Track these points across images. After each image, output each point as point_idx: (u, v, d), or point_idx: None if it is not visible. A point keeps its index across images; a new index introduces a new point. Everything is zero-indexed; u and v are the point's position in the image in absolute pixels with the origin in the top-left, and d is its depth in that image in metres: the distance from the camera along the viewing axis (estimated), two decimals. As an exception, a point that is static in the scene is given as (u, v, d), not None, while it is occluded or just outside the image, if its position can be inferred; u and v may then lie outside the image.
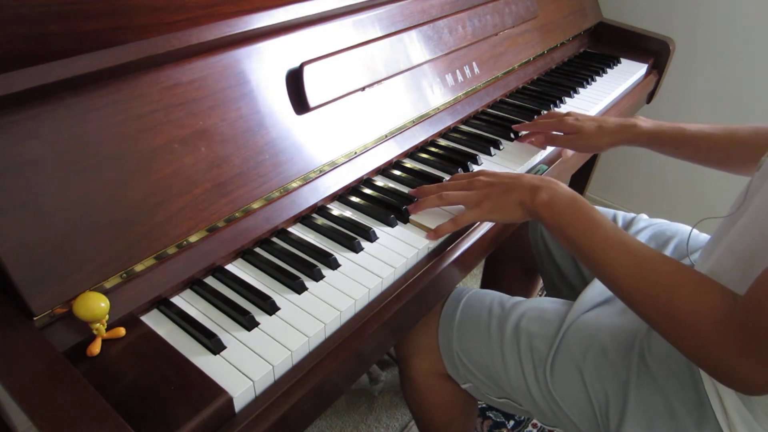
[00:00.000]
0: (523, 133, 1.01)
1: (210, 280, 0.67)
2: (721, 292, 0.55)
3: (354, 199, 0.82)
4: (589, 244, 0.64)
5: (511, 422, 1.35)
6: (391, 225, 0.77)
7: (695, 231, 0.88)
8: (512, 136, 1.01)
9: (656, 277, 0.58)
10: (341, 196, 0.82)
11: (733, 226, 0.64)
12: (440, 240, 0.77)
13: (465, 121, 1.06)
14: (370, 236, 0.74)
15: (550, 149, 1.00)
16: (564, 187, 0.70)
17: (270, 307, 0.62)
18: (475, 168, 0.92)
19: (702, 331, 0.53)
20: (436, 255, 0.75)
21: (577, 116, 0.95)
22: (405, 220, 0.78)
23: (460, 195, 0.75)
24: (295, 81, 0.74)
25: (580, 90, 1.23)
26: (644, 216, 0.96)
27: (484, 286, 1.33)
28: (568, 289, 1.00)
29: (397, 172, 0.89)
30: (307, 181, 0.77)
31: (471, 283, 1.68)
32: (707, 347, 0.53)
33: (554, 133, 0.97)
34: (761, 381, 0.51)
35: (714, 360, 0.54)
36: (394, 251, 0.72)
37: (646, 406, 0.67)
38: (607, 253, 0.62)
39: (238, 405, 0.54)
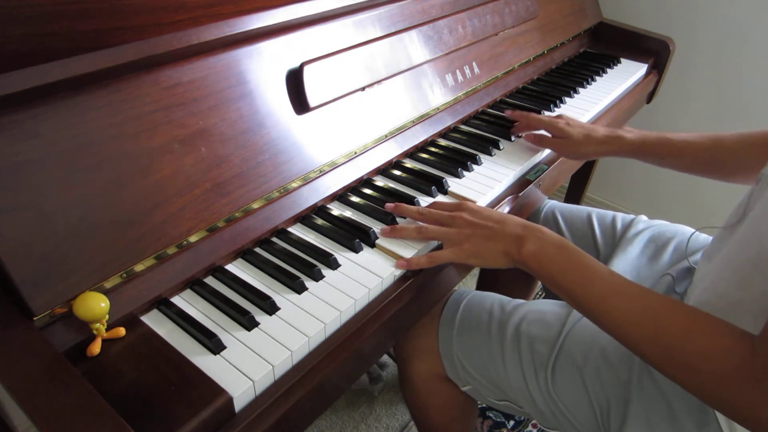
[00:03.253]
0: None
1: (210, 280, 0.67)
2: (735, 332, 0.52)
3: (354, 199, 0.82)
4: (586, 293, 0.61)
5: (511, 422, 1.35)
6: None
7: (695, 231, 0.89)
8: (512, 136, 1.01)
9: (665, 324, 0.55)
10: (341, 196, 0.82)
11: (732, 235, 0.63)
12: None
13: (465, 121, 1.06)
14: (370, 236, 0.74)
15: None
16: (550, 233, 0.67)
17: (270, 307, 0.62)
18: (476, 168, 0.92)
19: (721, 377, 0.50)
20: (436, 255, 0.75)
21: (568, 120, 0.96)
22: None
23: (440, 232, 0.71)
24: (295, 81, 0.74)
25: (580, 90, 1.23)
26: (644, 217, 0.96)
27: (480, 286, 1.32)
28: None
29: (397, 172, 0.89)
30: (307, 181, 0.77)
31: (471, 283, 1.68)
32: (729, 394, 0.50)
33: (544, 133, 0.97)
34: None
35: (738, 406, 0.50)
36: (394, 251, 0.72)
37: (648, 408, 0.67)
38: (608, 301, 0.59)
39: (238, 405, 0.54)
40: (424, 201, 0.82)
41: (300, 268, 0.68)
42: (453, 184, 0.87)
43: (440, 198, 0.84)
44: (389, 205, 0.78)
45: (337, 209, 0.79)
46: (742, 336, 0.51)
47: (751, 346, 0.50)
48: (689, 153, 0.86)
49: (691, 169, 0.89)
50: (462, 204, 0.74)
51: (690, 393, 0.55)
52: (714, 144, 0.84)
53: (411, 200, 0.81)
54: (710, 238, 0.88)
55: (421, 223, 0.74)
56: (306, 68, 0.74)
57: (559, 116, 0.97)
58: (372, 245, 0.73)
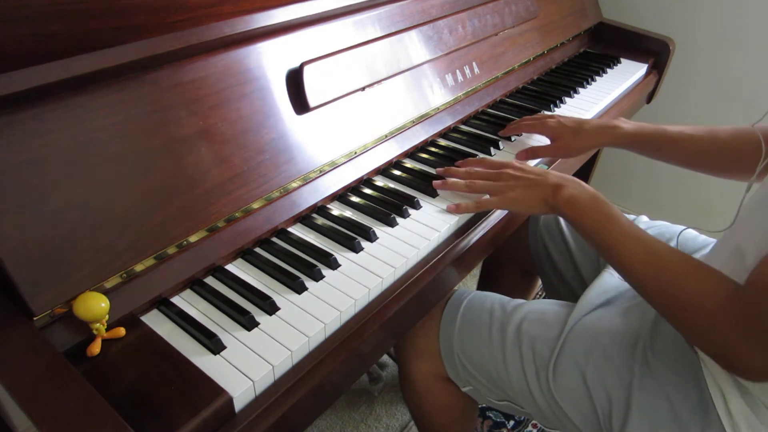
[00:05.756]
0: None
1: (210, 280, 0.67)
2: (725, 281, 0.58)
3: (354, 199, 0.82)
4: (606, 238, 0.67)
5: (511, 422, 1.35)
6: (391, 225, 0.77)
7: (694, 232, 0.89)
8: (512, 137, 1.01)
9: (667, 268, 0.61)
10: (341, 196, 0.82)
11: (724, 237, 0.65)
12: (442, 239, 0.77)
13: (465, 121, 1.06)
14: (370, 236, 0.74)
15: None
16: (585, 186, 0.73)
17: (270, 307, 0.62)
18: (475, 168, 0.91)
19: (707, 317, 0.57)
20: (436, 255, 0.75)
21: (559, 119, 0.95)
22: (405, 220, 0.78)
23: (487, 184, 0.78)
24: (295, 81, 0.74)
25: (580, 90, 1.23)
26: (644, 218, 0.96)
27: (481, 287, 1.32)
28: (567, 291, 1.00)
29: (397, 172, 0.89)
30: (307, 181, 0.77)
31: (471, 283, 1.68)
32: (712, 332, 0.57)
33: (536, 146, 0.97)
34: (761, 366, 0.54)
35: (717, 345, 0.57)
36: (394, 251, 0.72)
37: (650, 408, 0.67)
38: (624, 244, 0.65)
39: (238, 405, 0.54)
40: (424, 202, 0.82)
41: (300, 268, 0.68)
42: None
43: (438, 199, 0.84)
44: (439, 170, 0.86)
45: (337, 209, 0.79)
46: (731, 284, 0.57)
47: (740, 297, 0.55)
48: (685, 145, 0.87)
49: (686, 163, 0.90)
50: (506, 162, 0.82)
51: (679, 331, 0.63)
52: (709, 137, 0.86)
53: (411, 200, 0.81)
54: (704, 236, 0.88)
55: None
56: (306, 68, 0.74)
57: (550, 116, 0.97)
58: (372, 241, 0.73)
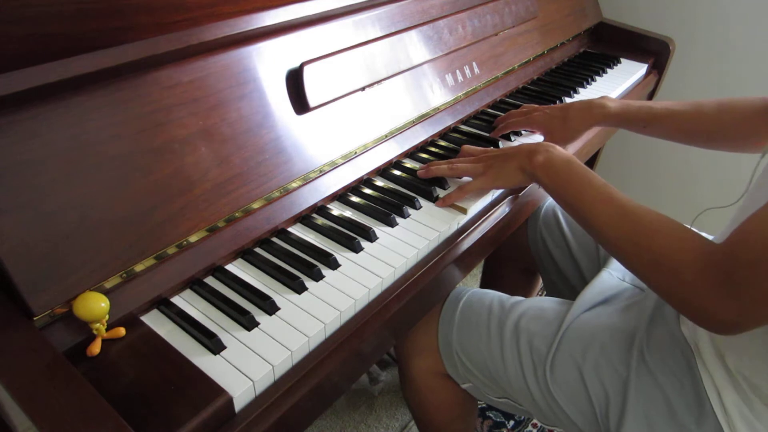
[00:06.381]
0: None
1: (210, 280, 0.67)
2: (697, 238, 0.58)
3: (354, 199, 0.82)
4: (580, 200, 0.68)
5: (511, 422, 1.35)
6: (391, 225, 0.77)
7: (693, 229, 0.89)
8: (511, 137, 1.01)
9: (639, 226, 0.62)
10: (341, 196, 0.82)
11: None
12: (442, 238, 0.77)
13: (465, 121, 1.06)
14: (370, 236, 0.74)
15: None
16: (560, 150, 0.74)
17: (270, 307, 0.62)
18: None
19: (679, 272, 0.57)
20: (436, 255, 0.75)
21: (544, 110, 0.96)
22: (405, 219, 0.78)
23: (468, 167, 0.82)
24: (295, 81, 0.74)
25: (580, 90, 1.23)
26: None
27: (483, 286, 1.33)
28: (568, 288, 1.00)
29: (397, 172, 0.89)
30: (307, 181, 0.77)
31: (471, 283, 1.68)
32: (684, 287, 0.56)
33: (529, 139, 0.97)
34: (733, 318, 0.53)
35: (690, 300, 0.56)
36: (394, 251, 0.72)
37: (646, 404, 0.67)
38: (596, 206, 0.66)
39: (238, 405, 0.54)
40: (424, 202, 0.82)
41: (300, 268, 0.68)
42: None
43: (435, 203, 0.83)
44: (421, 172, 0.85)
45: (337, 209, 0.79)
46: (703, 241, 0.57)
47: (711, 250, 0.55)
48: (671, 121, 0.89)
49: (674, 138, 0.91)
50: (485, 149, 0.87)
51: (653, 289, 0.61)
52: (694, 111, 0.87)
53: (411, 200, 0.81)
54: (704, 233, 0.88)
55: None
56: (306, 68, 0.74)
57: (535, 108, 0.97)
58: (372, 241, 0.73)
